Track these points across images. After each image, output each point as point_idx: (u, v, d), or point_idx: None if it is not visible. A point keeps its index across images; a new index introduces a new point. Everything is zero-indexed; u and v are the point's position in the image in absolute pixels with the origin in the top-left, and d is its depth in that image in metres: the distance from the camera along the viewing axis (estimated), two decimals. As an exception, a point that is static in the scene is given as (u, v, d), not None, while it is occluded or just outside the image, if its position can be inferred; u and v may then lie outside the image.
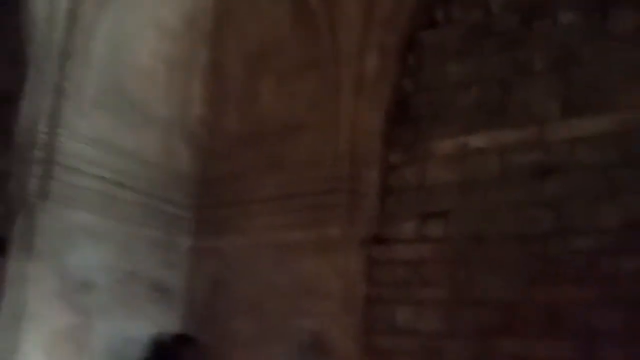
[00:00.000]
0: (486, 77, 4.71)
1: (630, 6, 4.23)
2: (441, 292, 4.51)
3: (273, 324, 5.01)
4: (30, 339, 4.47)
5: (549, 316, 4.05)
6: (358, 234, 4.86)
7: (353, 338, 4.66)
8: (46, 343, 4.55)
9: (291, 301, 4.96)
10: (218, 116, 5.86)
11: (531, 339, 4.08)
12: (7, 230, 4.64)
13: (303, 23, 5.39)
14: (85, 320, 4.80)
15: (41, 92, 4.79)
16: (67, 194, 4.77)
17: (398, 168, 4.96)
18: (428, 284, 4.58)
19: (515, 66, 4.61)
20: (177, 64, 5.75)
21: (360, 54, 5.02)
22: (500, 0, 4.77)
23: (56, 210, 4.70)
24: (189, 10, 5.83)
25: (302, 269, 4.96)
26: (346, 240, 4.85)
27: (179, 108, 5.76)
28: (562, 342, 3.97)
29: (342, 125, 5.03)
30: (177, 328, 5.35)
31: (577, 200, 4.16)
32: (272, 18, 5.64)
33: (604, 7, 4.32)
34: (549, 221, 4.22)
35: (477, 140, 4.64)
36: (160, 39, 5.63)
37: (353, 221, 4.87)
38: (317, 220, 4.98)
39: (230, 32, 5.91)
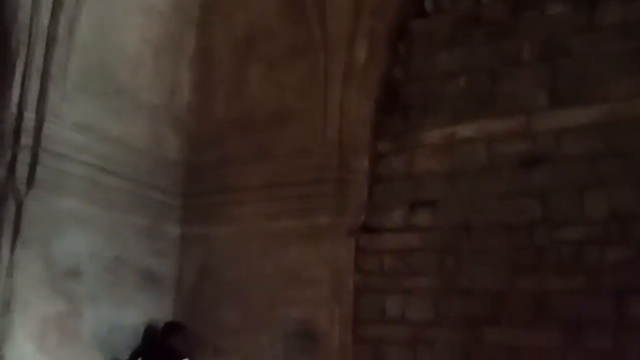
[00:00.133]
0: (475, 67, 4.74)
1: (618, -2, 4.27)
2: (429, 281, 4.55)
3: (261, 311, 5.03)
4: (19, 327, 4.44)
5: (536, 305, 4.12)
6: (346, 223, 4.88)
7: (342, 327, 4.70)
8: (34, 331, 4.52)
9: (279, 289, 4.97)
10: (206, 103, 5.82)
11: (519, 327, 4.15)
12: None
13: (292, 10, 5.36)
14: (73, 308, 4.78)
15: (27, 78, 4.71)
16: (55, 181, 4.72)
17: (387, 157, 4.98)
18: (416, 273, 4.62)
19: (504, 56, 4.64)
20: (164, 49, 5.69)
21: (350, 42, 5.01)
22: (490, -9, 4.79)
23: (43, 197, 4.65)
24: (177, -5, 5.76)
25: (291, 258, 4.98)
26: (334, 228, 4.88)
27: (166, 94, 5.70)
28: (549, 330, 4.04)
29: (331, 113, 5.03)
30: (166, 316, 5.34)
31: (564, 190, 4.22)
32: (261, 4, 5.60)
33: (592, -2, 4.35)
34: (536, 211, 4.28)
35: (465, 130, 4.67)
36: (147, 24, 5.56)
37: (341, 210, 4.89)
38: (305, 208, 4.99)
39: (219, 18, 5.86)
